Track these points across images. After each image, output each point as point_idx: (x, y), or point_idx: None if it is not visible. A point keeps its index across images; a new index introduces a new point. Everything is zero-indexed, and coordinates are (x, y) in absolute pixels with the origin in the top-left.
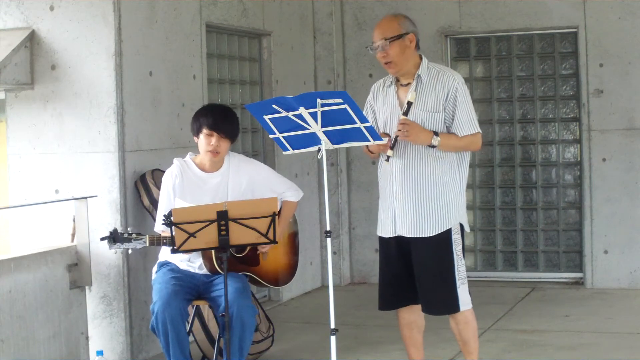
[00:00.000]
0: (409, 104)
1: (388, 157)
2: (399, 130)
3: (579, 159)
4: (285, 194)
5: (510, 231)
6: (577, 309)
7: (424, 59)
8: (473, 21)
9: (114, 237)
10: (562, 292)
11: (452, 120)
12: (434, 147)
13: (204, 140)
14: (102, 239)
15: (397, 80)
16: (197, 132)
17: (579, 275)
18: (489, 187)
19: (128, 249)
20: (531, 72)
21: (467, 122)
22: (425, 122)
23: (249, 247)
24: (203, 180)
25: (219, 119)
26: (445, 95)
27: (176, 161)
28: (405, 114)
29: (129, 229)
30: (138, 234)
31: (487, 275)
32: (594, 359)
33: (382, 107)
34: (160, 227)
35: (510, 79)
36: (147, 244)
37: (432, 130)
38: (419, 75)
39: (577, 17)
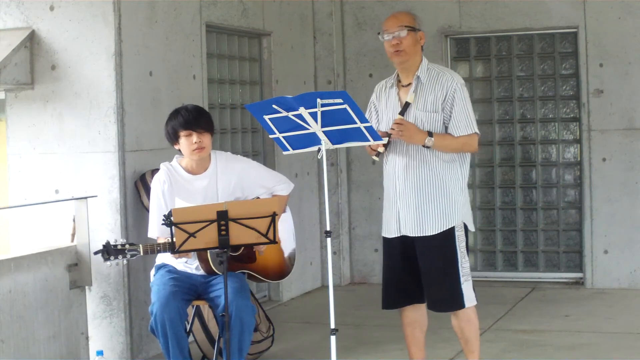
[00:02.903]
0: (407, 104)
1: (378, 153)
2: (392, 129)
3: (579, 159)
4: (276, 187)
5: (510, 231)
6: (577, 309)
7: (424, 60)
8: (473, 21)
9: (107, 251)
10: (562, 292)
11: (450, 120)
12: (427, 147)
13: (185, 142)
14: (96, 253)
15: (399, 81)
16: (175, 138)
17: (579, 275)
18: (489, 187)
19: (124, 261)
20: (531, 72)
21: (464, 123)
22: (424, 122)
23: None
24: (191, 183)
25: (191, 117)
26: (444, 96)
27: (163, 166)
28: (402, 113)
29: (122, 240)
30: (131, 244)
31: (487, 275)
32: (594, 359)
33: (384, 108)
34: (153, 233)
35: (510, 79)
36: (142, 253)
37: (427, 131)
38: (418, 76)
39: (577, 17)
